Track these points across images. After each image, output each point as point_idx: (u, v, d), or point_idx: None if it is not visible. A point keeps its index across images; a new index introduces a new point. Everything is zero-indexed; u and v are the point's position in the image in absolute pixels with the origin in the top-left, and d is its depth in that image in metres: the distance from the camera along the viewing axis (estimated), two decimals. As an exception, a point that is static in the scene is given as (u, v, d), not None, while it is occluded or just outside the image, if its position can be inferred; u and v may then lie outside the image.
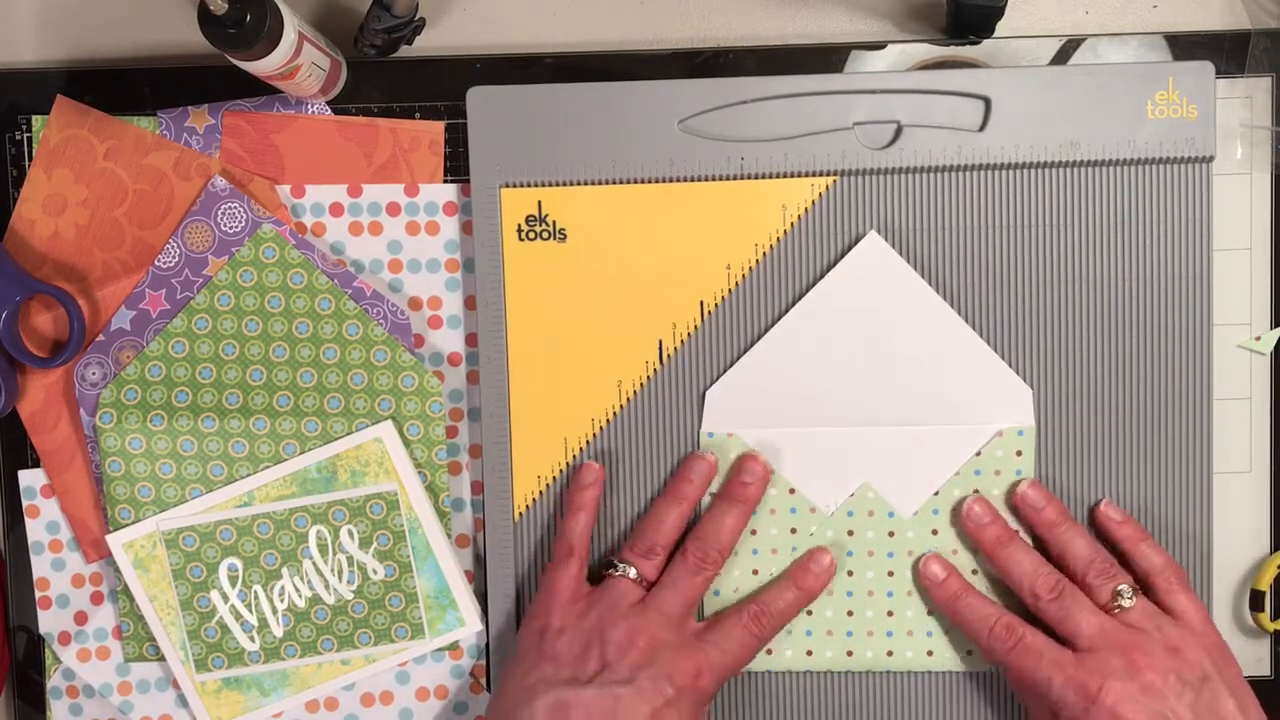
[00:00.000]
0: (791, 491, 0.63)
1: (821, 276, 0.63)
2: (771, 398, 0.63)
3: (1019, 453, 0.63)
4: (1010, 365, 0.63)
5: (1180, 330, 0.63)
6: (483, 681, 0.67)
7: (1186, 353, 0.63)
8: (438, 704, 0.67)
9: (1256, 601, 0.65)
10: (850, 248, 0.63)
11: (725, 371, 0.63)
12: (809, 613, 0.64)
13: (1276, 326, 0.65)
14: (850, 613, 0.63)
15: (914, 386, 0.63)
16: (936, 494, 0.63)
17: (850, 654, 0.64)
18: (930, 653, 0.64)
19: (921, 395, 0.63)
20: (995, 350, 0.63)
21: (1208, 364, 0.63)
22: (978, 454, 0.63)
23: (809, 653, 0.64)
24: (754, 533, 0.63)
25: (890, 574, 0.63)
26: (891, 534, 0.63)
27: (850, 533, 0.63)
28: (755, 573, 0.64)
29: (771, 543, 0.64)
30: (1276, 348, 0.65)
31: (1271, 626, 0.65)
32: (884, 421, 0.63)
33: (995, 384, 0.63)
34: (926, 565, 0.62)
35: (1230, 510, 0.65)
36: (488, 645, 0.65)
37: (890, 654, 0.64)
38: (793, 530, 0.63)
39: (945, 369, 0.63)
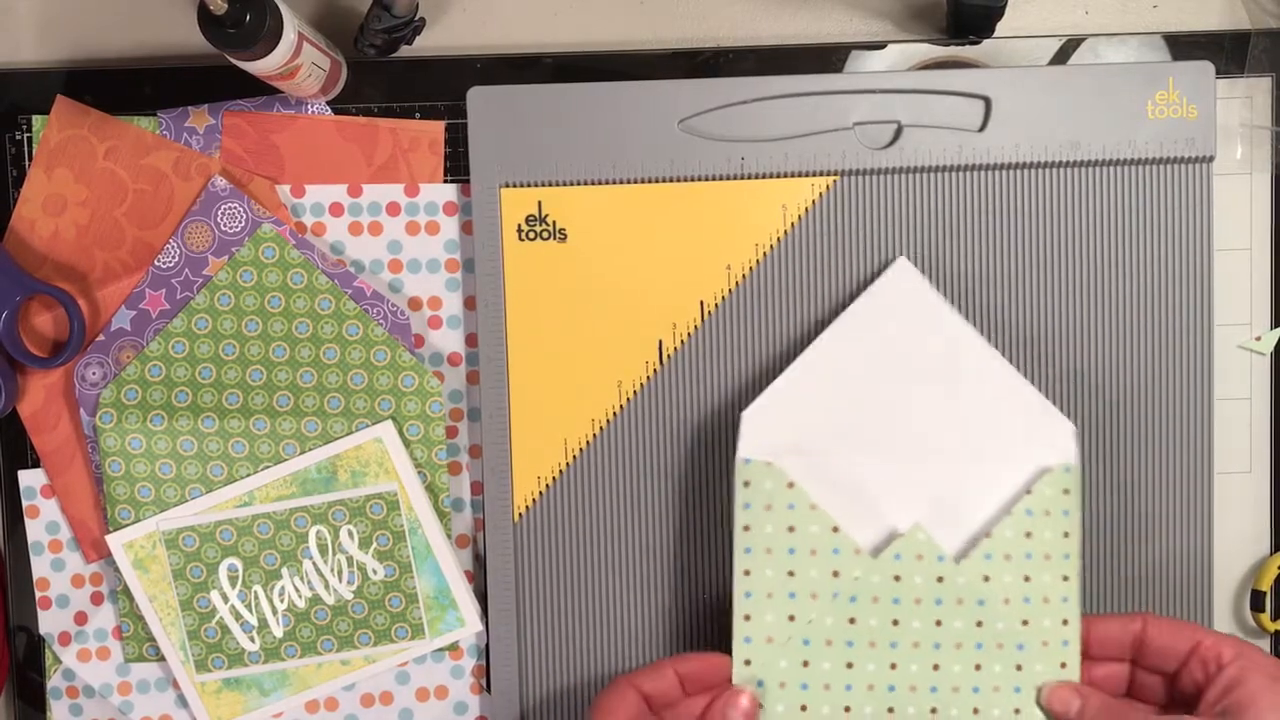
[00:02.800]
0: (835, 530, 0.58)
1: (822, 278, 0.63)
2: (812, 425, 0.60)
3: (1066, 490, 0.58)
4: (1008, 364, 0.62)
5: (1180, 330, 0.63)
6: (483, 682, 0.67)
7: (1187, 353, 0.63)
8: (438, 704, 0.67)
9: (1257, 602, 0.65)
10: (850, 249, 0.62)
11: (760, 392, 0.60)
12: (849, 665, 0.58)
13: (1276, 326, 0.65)
14: (894, 665, 0.58)
15: (954, 420, 0.59)
16: (989, 536, 0.58)
17: (891, 710, 0.58)
18: (976, 710, 0.58)
19: (963, 430, 0.59)
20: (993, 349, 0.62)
21: (1208, 364, 0.63)
22: (1029, 492, 0.58)
23: (847, 709, 0.58)
24: (791, 574, 0.58)
25: (938, 623, 0.58)
26: (941, 579, 0.58)
27: (897, 578, 0.58)
28: (791, 619, 0.58)
29: (811, 586, 0.58)
30: (1276, 348, 0.65)
31: (1272, 627, 0.65)
32: (927, 457, 0.59)
33: (1037, 419, 0.59)
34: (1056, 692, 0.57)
35: (1230, 510, 0.65)
36: (488, 646, 0.65)
37: (934, 711, 0.58)
38: (834, 574, 0.58)
39: (984, 402, 0.59)
